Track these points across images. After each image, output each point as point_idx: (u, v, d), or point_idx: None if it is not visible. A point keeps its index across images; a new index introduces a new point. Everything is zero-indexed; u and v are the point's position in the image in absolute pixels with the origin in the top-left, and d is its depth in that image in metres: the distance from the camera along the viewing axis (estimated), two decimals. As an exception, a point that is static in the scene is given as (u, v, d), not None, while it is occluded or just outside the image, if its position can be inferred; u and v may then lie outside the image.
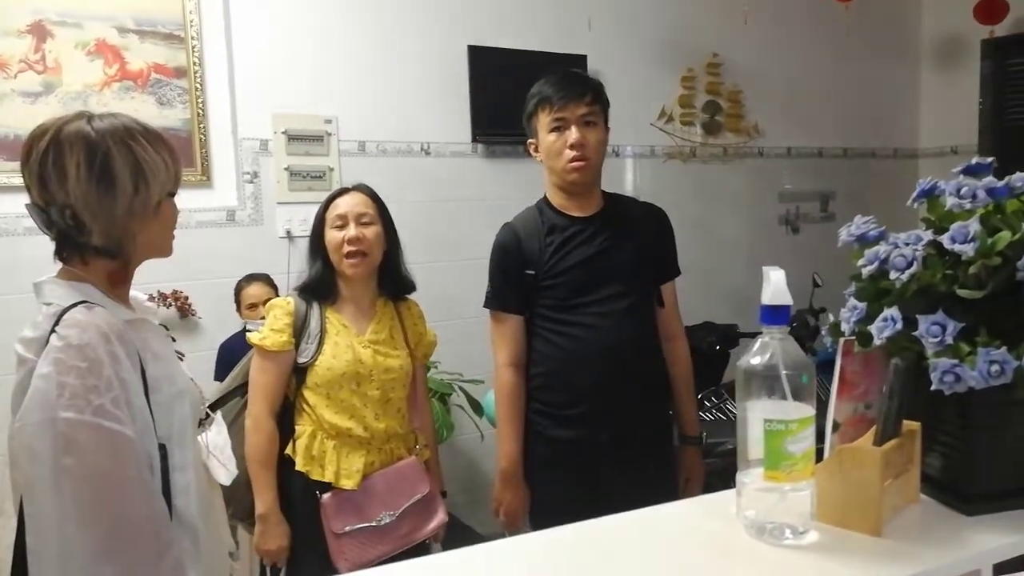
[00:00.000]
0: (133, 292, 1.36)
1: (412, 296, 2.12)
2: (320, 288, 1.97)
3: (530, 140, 1.93)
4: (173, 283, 2.93)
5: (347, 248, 1.91)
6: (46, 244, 1.23)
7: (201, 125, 2.97)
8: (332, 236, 1.93)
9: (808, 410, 0.88)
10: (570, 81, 1.87)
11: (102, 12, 2.80)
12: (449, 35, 3.40)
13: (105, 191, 1.14)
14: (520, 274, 1.88)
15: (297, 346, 1.90)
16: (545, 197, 1.97)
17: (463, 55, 3.40)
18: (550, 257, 1.87)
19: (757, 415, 0.88)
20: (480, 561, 0.92)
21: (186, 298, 2.97)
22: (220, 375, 2.70)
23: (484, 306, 1.96)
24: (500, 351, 1.94)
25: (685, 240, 3.84)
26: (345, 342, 1.91)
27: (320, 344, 1.90)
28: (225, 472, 1.35)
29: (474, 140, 3.44)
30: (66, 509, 1.05)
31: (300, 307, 1.94)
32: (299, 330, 1.91)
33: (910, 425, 0.96)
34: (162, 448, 1.17)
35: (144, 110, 2.87)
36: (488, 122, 3.41)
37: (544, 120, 1.85)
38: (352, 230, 1.91)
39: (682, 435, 2.04)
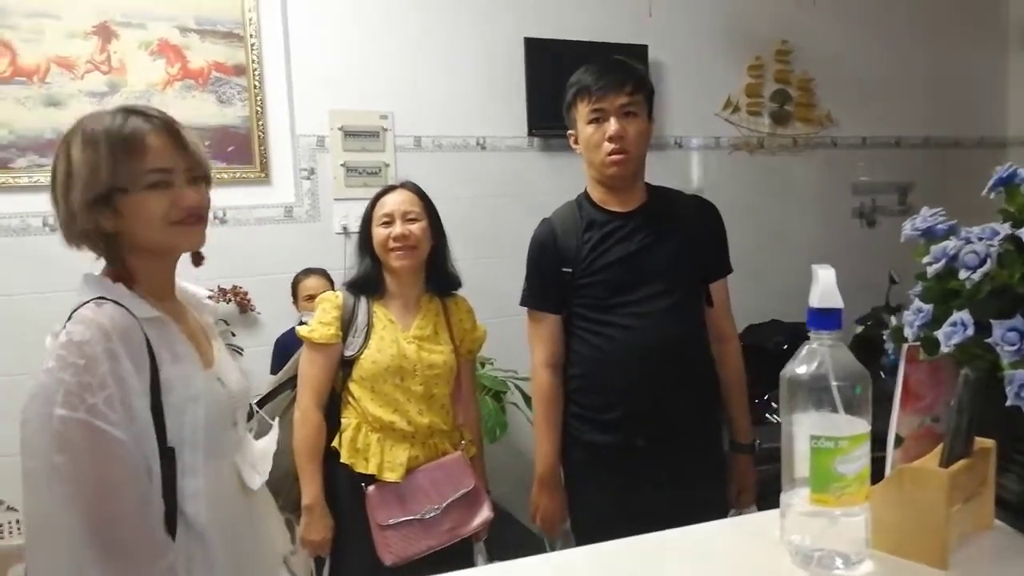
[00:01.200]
0: (188, 287, 1.38)
1: (467, 292, 2.11)
2: (368, 283, 1.99)
3: (570, 131, 1.84)
4: (233, 279, 2.98)
5: (392, 244, 1.93)
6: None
7: (260, 122, 3.01)
8: (379, 233, 1.95)
9: (862, 426, 0.79)
10: (610, 69, 1.77)
11: (164, 12, 2.86)
12: (505, 27, 3.34)
13: (53, 195, 1.20)
14: (557, 272, 1.81)
15: (344, 339, 1.94)
16: (585, 191, 1.88)
17: (519, 47, 3.34)
18: (587, 254, 1.78)
19: (803, 430, 0.80)
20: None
21: (245, 293, 3.01)
22: (276, 369, 2.73)
23: (520, 304, 1.91)
24: (537, 351, 1.87)
25: (751, 235, 3.74)
26: (390, 336, 1.93)
27: (366, 338, 1.93)
28: (258, 478, 1.33)
29: (530, 134, 3.39)
30: (57, 506, 1.06)
31: (348, 301, 1.97)
32: (347, 324, 1.94)
33: (983, 443, 0.86)
34: (170, 451, 1.15)
35: (204, 108, 2.92)
36: (545, 116, 3.33)
37: (583, 111, 1.76)
38: (398, 227, 1.93)
39: (732, 442, 1.92)
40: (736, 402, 1.92)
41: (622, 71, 1.78)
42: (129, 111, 1.20)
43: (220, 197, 2.89)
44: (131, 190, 1.16)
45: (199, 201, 1.22)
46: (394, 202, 1.97)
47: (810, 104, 3.92)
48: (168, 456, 1.15)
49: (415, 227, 1.95)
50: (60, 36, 2.73)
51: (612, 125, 1.72)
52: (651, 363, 1.74)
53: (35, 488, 1.09)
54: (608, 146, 1.73)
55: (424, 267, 2.01)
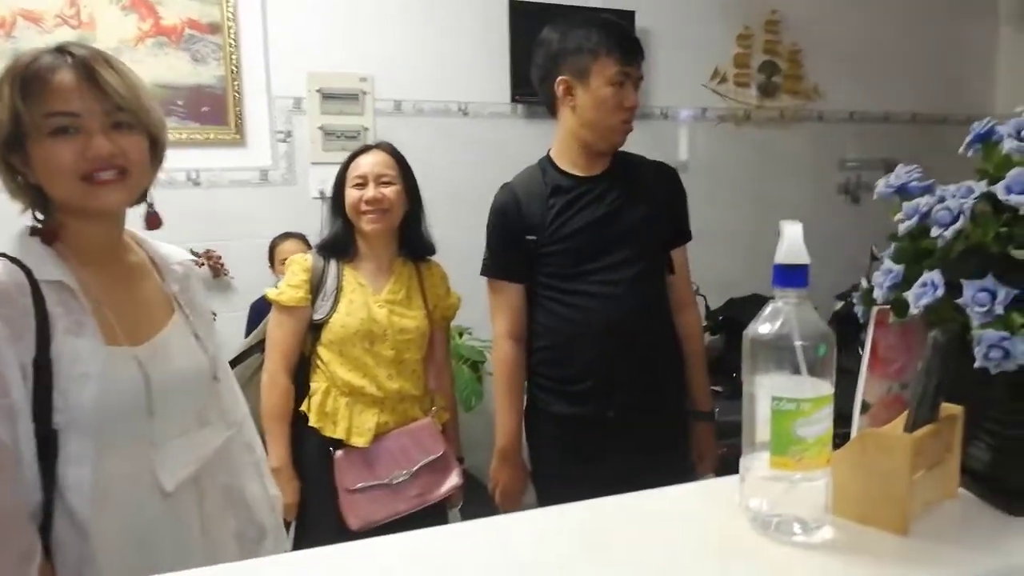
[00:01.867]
0: (162, 248, 1.26)
1: (446, 259, 2.08)
2: (338, 246, 1.96)
3: (563, 77, 1.71)
4: (207, 243, 2.92)
5: (364, 207, 1.89)
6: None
7: (235, 83, 2.93)
8: (351, 195, 1.91)
9: (825, 387, 0.76)
10: (631, 36, 1.75)
11: (136, -35, 2.76)
12: (490, -11, 3.26)
13: None
14: (520, 240, 1.74)
15: (314, 303, 1.91)
16: (548, 155, 1.82)
17: (504, 10, 3.27)
18: (552, 221, 1.72)
19: (765, 391, 0.76)
20: (428, 542, 0.83)
21: (219, 257, 2.96)
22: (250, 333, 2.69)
23: (481, 274, 1.85)
24: (499, 322, 1.82)
25: (735, 208, 3.72)
26: (360, 300, 1.91)
27: (336, 301, 1.90)
28: (174, 478, 1.13)
29: (514, 100, 3.33)
30: None
31: (318, 264, 1.94)
32: (316, 287, 1.92)
33: (950, 409, 0.83)
34: (53, 433, 1.02)
35: (178, 67, 2.85)
36: (529, 82, 3.25)
37: (608, 69, 1.67)
38: (371, 190, 1.89)
39: (693, 411, 1.91)
40: (696, 370, 1.90)
41: (637, 40, 1.76)
42: (55, 49, 1.07)
43: (194, 158, 2.88)
44: (34, 135, 1.04)
45: (112, 150, 1.06)
46: (368, 164, 1.92)
47: (798, 76, 3.87)
48: (50, 438, 1.02)
49: (389, 190, 1.91)
50: (27, -12, 2.64)
51: (631, 94, 1.69)
52: (620, 332, 1.70)
53: None
54: (623, 114, 1.69)
55: (398, 231, 1.98)
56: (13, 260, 1.04)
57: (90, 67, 1.05)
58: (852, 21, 3.93)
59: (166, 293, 1.23)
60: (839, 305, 3.35)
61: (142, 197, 1.20)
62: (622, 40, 1.69)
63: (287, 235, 2.91)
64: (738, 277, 3.23)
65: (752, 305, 3.50)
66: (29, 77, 1.03)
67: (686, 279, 1.92)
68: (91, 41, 2.71)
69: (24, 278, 1.02)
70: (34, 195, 1.09)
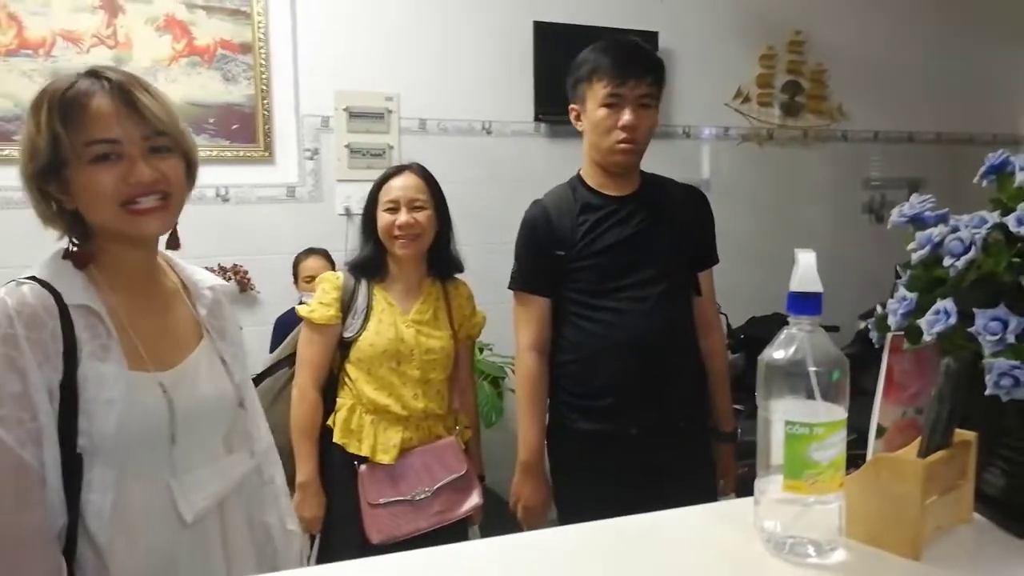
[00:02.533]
0: (195, 273, 1.25)
1: (468, 277, 2.10)
2: (370, 267, 1.99)
3: (573, 105, 1.78)
4: (234, 257, 2.98)
5: (397, 232, 1.92)
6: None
7: (264, 101, 3.00)
8: (383, 219, 1.93)
9: (839, 412, 0.77)
10: (634, 56, 1.72)
11: (171, -12, 2.85)
12: (514, 11, 3.32)
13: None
14: (549, 254, 1.76)
15: (344, 321, 1.94)
16: (579, 174, 1.84)
17: (528, 31, 3.32)
18: (582, 238, 1.74)
19: (779, 416, 0.78)
20: (449, 558, 0.85)
21: (245, 272, 3.01)
22: (275, 349, 2.74)
23: (509, 287, 1.87)
24: (523, 334, 1.83)
25: (757, 227, 3.72)
26: (389, 320, 1.93)
27: (365, 320, 1.93)
28: (192, 511, 1.11)
29: (537, 119, 3.37)
30: None
31: (349, 282, 1.97)
32: (346, 305, 1.94)
33: (964, 435, 0.84)
34: (78, 458, 1.02)
35: (210, 86, 2.92)
36: (552, 101, 3.30)
37: (598, 92, 1.70)
38: (404, 216, 1.91)
39: (715, 431, 1.92)
40: (719, 390, 1.91)
41: (645, 59, 1.73)
42: (88, 73, 1.06)
43: (223, 175, 2.94)
44: (73, 163, 1.02)
45: (154, 176, 1.05)
46: (400, 187, 1.94)
47: (822, 96, 3.88)
48: (75, 463, 1.02)
49: (421, 215, 1.92)
50: (67, 10, 2.73)
51: (627, 115, 1.67)
52: (645, 350, 1.71)
53: None
54: (619, 135, 1.68)
55: (427, 251, 2.00)
56: (43, 284, 1.03)
57: (127, 92, 1.05)
58: (877, 41, 3.93)
59: (196, 318, 1.21)
60: (863, 325, 3.34)
61: None
62: (615, 62, 1.68)
63: (310, 251, 2.96)
64: (760, 296, 3.23)
65: (774, 324, 3.49)
66: (68, 103, 1.02)
67: (712, 301, 1.94)
68: (127, 61, 2.80)
69: (53, 302, 1.02)
70: (70, 221, 1.08)
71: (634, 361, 1.72)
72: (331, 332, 1.93)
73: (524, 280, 1.84)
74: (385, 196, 1.94)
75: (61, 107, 1.02)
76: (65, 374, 1.01)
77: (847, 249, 3.71)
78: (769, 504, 0.81)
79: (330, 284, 1.97)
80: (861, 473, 0.82)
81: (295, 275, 2.96)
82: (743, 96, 3.73)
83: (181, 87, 2.81)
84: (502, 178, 3.33)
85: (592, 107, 1.71)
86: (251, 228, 3.00)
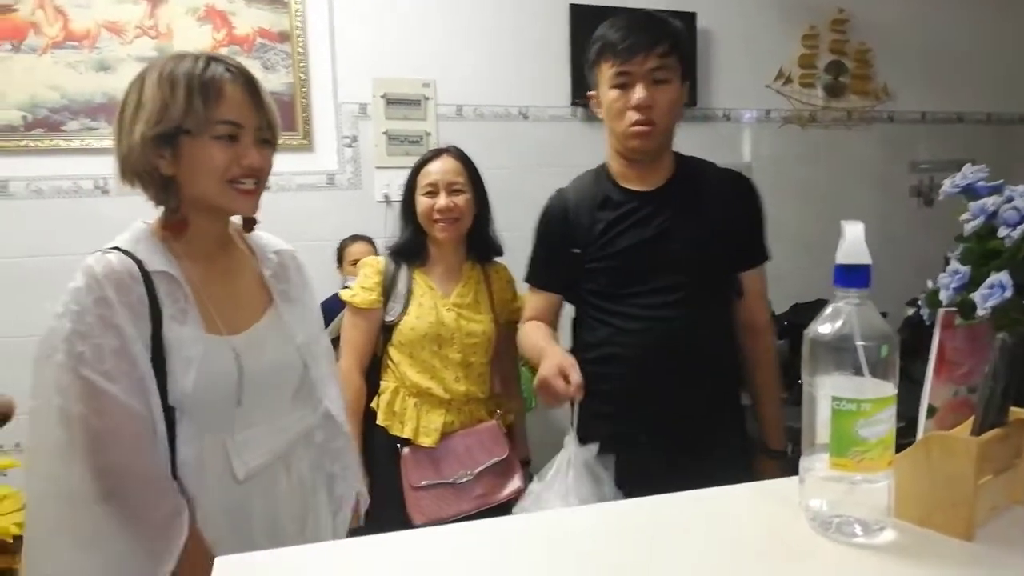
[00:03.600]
0: (263, 238, 1.33)
1: (506, 262, 2.10)
2: (410, 251, 2.00)
3: (591, 92, 1.63)
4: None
5: (436, 216, 1.93)
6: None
7: (303, 89, 3.02)
8: (423, 203, 1.94)
9: (888, 388, 0.75)
10: (640, 26, 1.52)
11: (211, -22, 2.88)
12: (550, -6, 3.28)
13: (117, 128, 1.16)
14: (565, 251, 1.63)
15: (386, 305, 1.95)
16: (606, 163, 1.67)
17: (565, 15, 3.28)
18: (599, 236, 1.59)
19: (825, 392, 0.76)
20: (492, 532, 0.85)
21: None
22: (316, 334, 2.78)
23: (525, 279, 1.77)
24: (524, 314, 1.76)
25: (801, 212, 3.65)
26: (429, 303, 1.94)
27: (406, 304, 1.94)
28: (244, 469, 1.19)
29: (573, 104, 3.34)
30: (58, 446, 1.06)
31: (390, 267, 1.99)
32: (388, 289, 1.96)
33: (1019, 413, 0.81)
34: (170, 411, 1.12)
35: (249, 74, 2.95)
36: (589, 85, 3.28)
37: (606, 72, 1.54)
38: (443, 199, 1.92)
39: (764, 447, 1.71)
40: (768, 403, 1.71)
41: (653, 28, 1.53)
42: (211, 58, 1.16)
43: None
44: (196, 134, 1.13)
45: (261, 163, 1.18)
46: (439, 171, 1.94)
47: (866, 76, 3.78)
48: (170, 415, 1.12)
49: (459, 199, 1.93)
50: (110, 1, 2.78)
51: (638, 92, 1.49)
52: (658, 359, 1.55)
53: (38, 428, 1.09)
54: (632, 115, 1.51)
55: (466, 235, 2.00)
56: (126, 252, 1.13)
57: (255, 85, 1.17)
58: (923, 19, 3.81)
59: (264, 284, 1.29)
60: (911, 311, 3.26)
61: None
62: (620, 37, 1.50)
63: (356, 237, 2.99)
64: (804, 282, 3.16)
65: (818, 311, 3.43)
66: (206, 82, 1.12)
67: (759, 302, 1.72)
68: (168, 51, 2.84)
69: (136, 269, 1.11)
70: (162, 185, 1.16)
71: (645, 370, 1.56)
72: (373, 316, 1.95)
73: (533, 273, 1.75)
74: (423, 180, 1.95)
75: (201, 85, 1.12)
76: (152, 335, 1.10)
77: (894, 234, 3.62)
78: (815, 482, 0.79)
79: (372, 268, 1.99)
80: (911, 451, 0.80)
81: (340, 260, 2.99)
82: (785, 77, 3.65)
83: (222, 76, 2.84)
84: (540, 163, 3.31)
85: (604, 90, 1.56)
86: (291, 215, 3.02)
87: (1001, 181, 0.85)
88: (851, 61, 3.74)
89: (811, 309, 3.35)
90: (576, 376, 1.38)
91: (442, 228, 1.93)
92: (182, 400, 1.12)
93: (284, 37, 2.98)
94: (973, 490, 0.76)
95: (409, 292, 1.95)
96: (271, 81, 2.97)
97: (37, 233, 2.76)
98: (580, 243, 1.61)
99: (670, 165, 1.63)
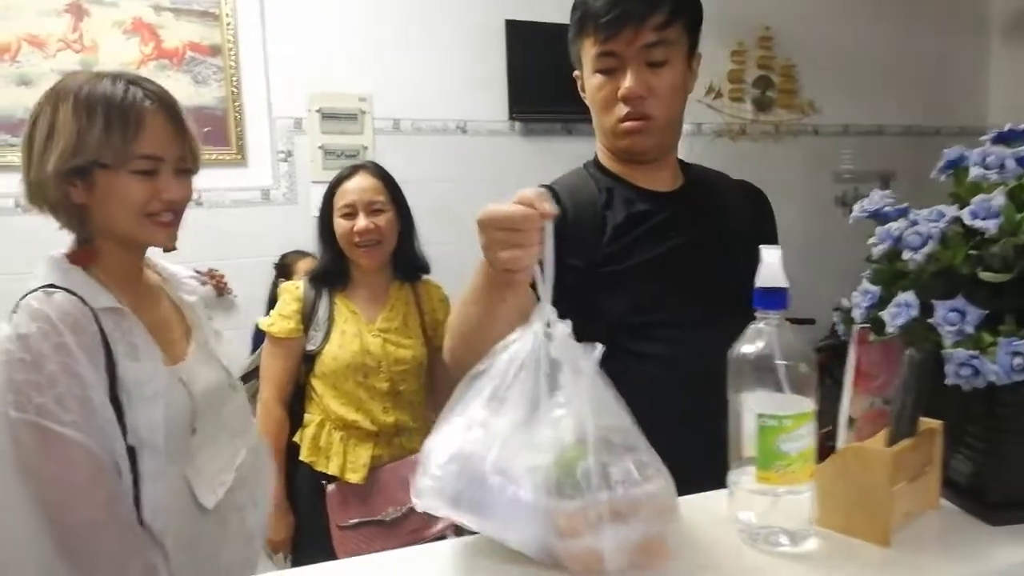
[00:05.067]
0: (168, 267, 1.29)
1: (444, 278, 2.00)
2: (331, 276, 1.90)
3: (576, 72, 1.29)
4: (209, 262, 2.96)
5: (357, 239, 1.82)
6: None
7: (236, 103, 2.98)
8: (341, 225, 1.83)
9: (806, 404, 0.79)
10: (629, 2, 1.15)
11: (138, -9, 2.82)
12: (486, 9, 3.32)
13: (26, 152, 1.10)
14: (561, 263, 1.13)
15: (306, 332, 1.85)
16: (596, 160, 1.33)
17: (501, 30, 3.32)
18: (611, 242, 1.21)
19: (750, 408, 0.80)
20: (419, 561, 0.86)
21: (222, 276, 2.99)
22: (254, 351, 2.72)
23: None
24: None
25: (732, 221, 3.75)
26: (353, 331, 1.84)
27: (328, 332, 1.84)
28: (212, 497, 1.16)
29: (511, 118, 3.37)
30: (21, 507, 1.00)
31: (309, 293, 1.87)
32: (308, 316, 1.86)
33: (930, 424, 0.86)
34: (131, 451, 1.07)
35: (179, 89, 2.89)
36: (527, 99, 3.33)
37: (589, 52, 1.20)
38: (362, 220, 1.81)
39: None
40: None
41: None
42: (130, 81, 1.09)
43: (196, 179, 2.90)
44: (114, 168, 1.07)
45: (182, 196, 1.13)
46: (356, 189, 1.84)
47: (792, 91, 3.92)
48: (131, 457, 1.07)
49: (381, 219, 1.83)
50: (32, 14, 2.69)
51: (628, 79, 1.16)
52: (682, 399, 1.15)
53: None
54: (622, 108, 1.19)
55: (391, 254, 1.91)
56: (67, 291, 1.06)
57: (176, 113, 1.11)
58: (844, 36, 3.99)
59: (180, 312, 1.26)
60: (836, 316, 3.39)
61: None
62: (607, 5, 1.15)
63: (301, 253, 2.93)
64: (735, 290, 3.26)
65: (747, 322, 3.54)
66: (124, 112, 1.06)
67: None
68: (93, 65, 2.77)
69: (85, 306, 1.06)
70: (75, 215, 1.11)
71: (675, 406, 1.14)
72: (293, 346, 1.86)
73: None
74: (340, 200, 1.85)
75: (120, 115, 1.05)
76: (108, 375, 1.06)
77: (820, 242, 3.76)
78: (743, 495, 0.82)
79: (290, 295, 1.89)
80: (830, 463, 0.84)
81: (285, 275, 2.94)
82: (715, 92, 3.77)
83: (151, 91, 2.78)
84: (478, 177, 3.33)
85: (587, 74, 1.24)
86: (226, 232, 2.98)
87: (906, 205, 0.90)
88: (777, 76, 3.88)
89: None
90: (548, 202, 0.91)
91: (365, 253, 1.84)
92: (149, 437, 1.07)
93: (215, 51, 2.94)
94: (888, 498, 0.80)
95: (331, 319, 1.85)
96: (203, 95, 2.92)
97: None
98: (583, 252, 1.19)
99: (676, 170, 1.33)
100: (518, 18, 3.33)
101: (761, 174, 3.95)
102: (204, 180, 2.96)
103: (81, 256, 1.11)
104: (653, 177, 1.28)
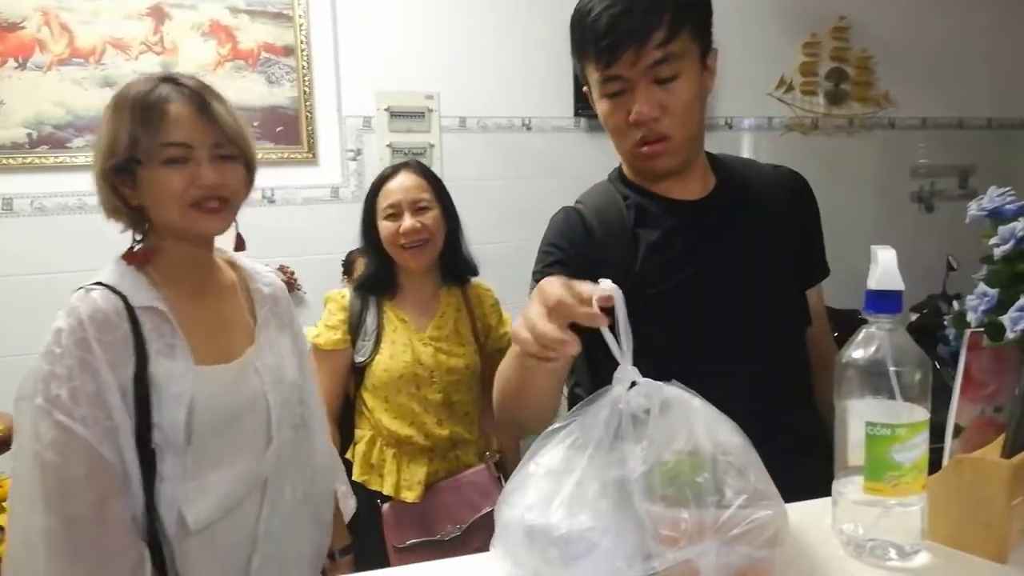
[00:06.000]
0: (246, 265, 1.30)
1: (506, 277, 1.94)
2: (378, 283, 1.81)
3: (585, 87, 1.21)
4: (280, 258, 3.01)
5: (403, 240, 1.74)
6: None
7: (307, 103, 3.02)
8: (386, 228, 1.76)
9: (921, 413, 0.76)
10: (624, 9, 1.05)
11: (215, -7, 2.89)
12: (552, 5, 3.29)
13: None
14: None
15: (354, 344, 1.77)
16: (621, 172, 1.26)
17: (566, 26, 3.28)
18: (644, 262, 1.14)
19: (858, 416, 0.77)
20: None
21: (292, 273, 3.04)
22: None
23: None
24: None
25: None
26: (403, 340, 1.76)
27: (377, 342, 1.76)
28: (228, 495, 1.17)
29: (576, 114, 3.35)
30: (32, 491, 1.03)
31: (355, 302, 1.80)
32: (355, 327, 1.78)
33: (1050, 434, 0.82)
34: (151, 452, 1.08)
35: (254, 89, 2.95)
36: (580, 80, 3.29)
37: (592, 74, 1.13)
38: (408, 220, 1.73)
39: None
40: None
41: (647, 7, 1.06)
42: (164, 78, 1.12)
43: (268, 177, 2.98)
44: (147, 162, 1.09)
45: (218, 181, 1.11)
46: (400, 188, 1.76)
47: (868, 83, 3.79)
48: (149, 457, 1.08)
49: (427, 217, 1.74)
50: (115, 18, 2.78)
51: (638, 102, 1.08)
52: (744, 419, 0.96)
53: (17, 467, 1.07)
54: (636, 133, 1.11)
55: (438, 257, 1.83)
56: (111, 288, 1.09)
57: (204, 100, 1.11)
58: (924, 24, 3.83)
59: (248, 319, 1.26)
60: (915, 317, 3.27)
61: None
62: (607, 28, 1.06)
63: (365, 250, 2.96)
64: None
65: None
66: (148, 106, 1.08)
67: (825, 327, 1.34)
68: (173, 66, 2.84)
69: (123, 305, 1.08)
70: (134, 216, 1.15)
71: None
72: (340, 358, 1.77)
73: None
74: (384, 201, 1.76)
75: (143, 110, 1.08)
76: (137, 372, 1.06)
77: (896, 240, 3.53)
78: (848, 506, 0.79)
79: (335, 304, 1.81)
80: (943, 474, 0.80)
81: (348, 272, 2.98)
82: (786, 85, 3.67)
83: (226, 91, 2.81)
84: (543, 174, 3.32)
85: (596, 96, 1.17)
86: (296, 229, 3.03)
87: (1025, 202, 0.85)
88: (852, 68, 3.75)
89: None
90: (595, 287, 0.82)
91: (412, 255, 1.74)
92: (173, 436, 1.09)
93: (288, 51, 2.99)
94: (1006, 512, 0.76)
95: (379, 329, 1.76)
96: (275, 95, 2.98)
97: (42, 250, 2.76)
98: (615, 274, 0.96)
99: (707, 172, 1.25)
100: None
101: (834, 169, 3.89)
102: (276, 178, 3.07)
103: (138, 256, 1.14)
104: (683, 187, 1.20)
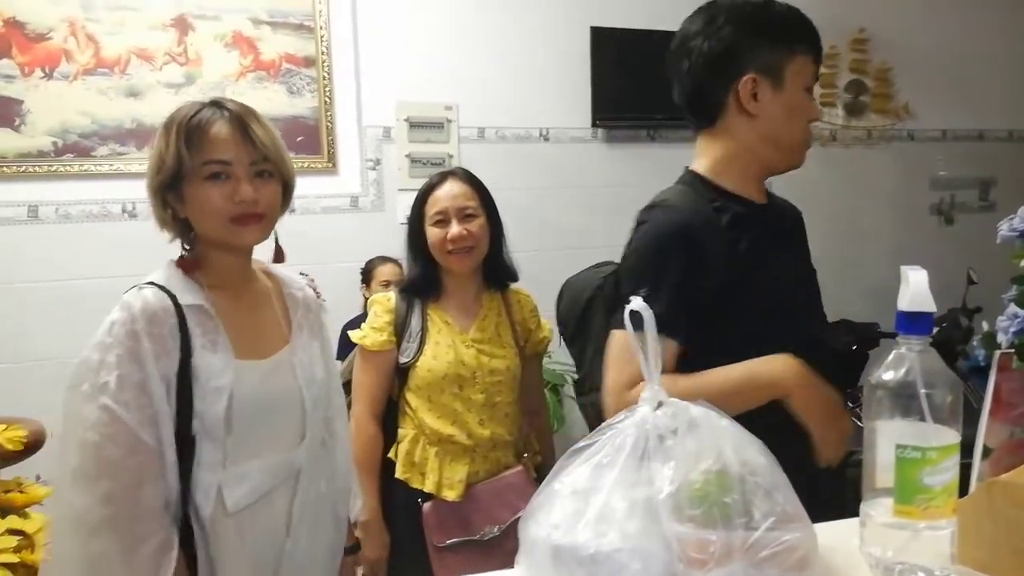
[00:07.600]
0: (282, 274, 1.40)
1: (527, 285, 1.98)
2: (422, 286, 1.85)
3: (752, 75, 1.25)
4: (300, 267, 3.02)
5: (451, 247, 1.78)
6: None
7: (328, 113, 3.05)
8: (434, 234, 1.79)
9: (952, 436, 0.75)
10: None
11: (238, 5, 2.93)
12: (571, 16, 3.31)
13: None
14: (694, 287, 1.20)
15: (399, 345, 1.81)
16: (699, 174, 1.33)
17: (585, 37, 3.31)
18: (741, 262, 1.22)
19: (888, 438, 0.76)
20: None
21: (312, 280, 3.06)
22: (342, 356, 2.78)
23: (658, 331, 0.92)
24: (624, 374, 1.17)
25: (822, 230, 3.61)
26: (447, 341, 1.79)
27: (421, 344, 1.79)
28: (253, 490, 1.23)
29: (594, 125, 3.35)
30: (75, 475, 1.10)
31: (400, 304, 1.84)
32: (400, 328, 1.81)
33: (1082, 458, 0.81)
34: (191, 439, 1.15)
35: (276, 99, 2.98)
36: (610, 107, 3.31)
37: (806, 71, 1.28)
38: (455, 227, 1.77)
39: None
40: None
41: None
42: (210, 103, 1.21)
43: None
44: (190, 179, 1.18)
45: (255, 196, 1.18)
46: (447, 196, 1.80)
47: (887, 95, 3.78)
48: (188, 445, 1.15)
49: (473, 225, 1.78)
50: (140, 28, 2.82)
51: (816, 103, 1.32)
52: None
53: (62, 456, 1.13)
54: (807, 129, 1.31)
55: (481, 262, 1.86)
56: (161, 287, 1.19)
57: (243, 121, 1.20)
58: (944, 37, 3.82)
59: (282, 322, 1.34)
60: (934, 331, 3.24)
61: None
62: (816, 34, 1.30)
63: (385, 258, 2.98)
64: (826, 303, 3.16)
65: (840, 330, 3.42)
66: (192, 128, 1.18)
67: None
68: (197, 77, 2.88)
69: (171, 302, 1.17)
70: (181, 227, 1.25)
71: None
72: (386, 358, 1.81)
73: (668, 318, 1.01)
74: (432, 208, 1.80)
75: (187, 131, 1.18)
76: (181, 364, 1.16)
77: (915, 252, 3.60)
78: (877, 529, 0.79)
79: (381, 307, 1.85)
80: (974, 497, 0.79)
81: (366, 280, 3.00)
82: (805, 97, 3.66)
83: (248, 101, 2.81)
84: (561, 185, 3.33)
85: (793, 87, 1.26)
86: (316, 237, 3.05)
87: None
88: (871, 80, 3.74)
89: (835, 329, 3.31)
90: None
91: (458, 259, 1.78)
92: (212, 426, 1.17)
93: (310, 62, 3.02)
94: (1038, 537, 0.75)
95: (424, 330, 1.80)
96: (296, 105, 3.01)
97: (66, 257, 2.79)
98: (712, 275, 1.20)
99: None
100: (602, 24, 3.31)
101: (853, 182, 3.87)
102: (297, 187, 3.06)
103: (188, 263, 1.24)
104: (760, 192, 1.35)
